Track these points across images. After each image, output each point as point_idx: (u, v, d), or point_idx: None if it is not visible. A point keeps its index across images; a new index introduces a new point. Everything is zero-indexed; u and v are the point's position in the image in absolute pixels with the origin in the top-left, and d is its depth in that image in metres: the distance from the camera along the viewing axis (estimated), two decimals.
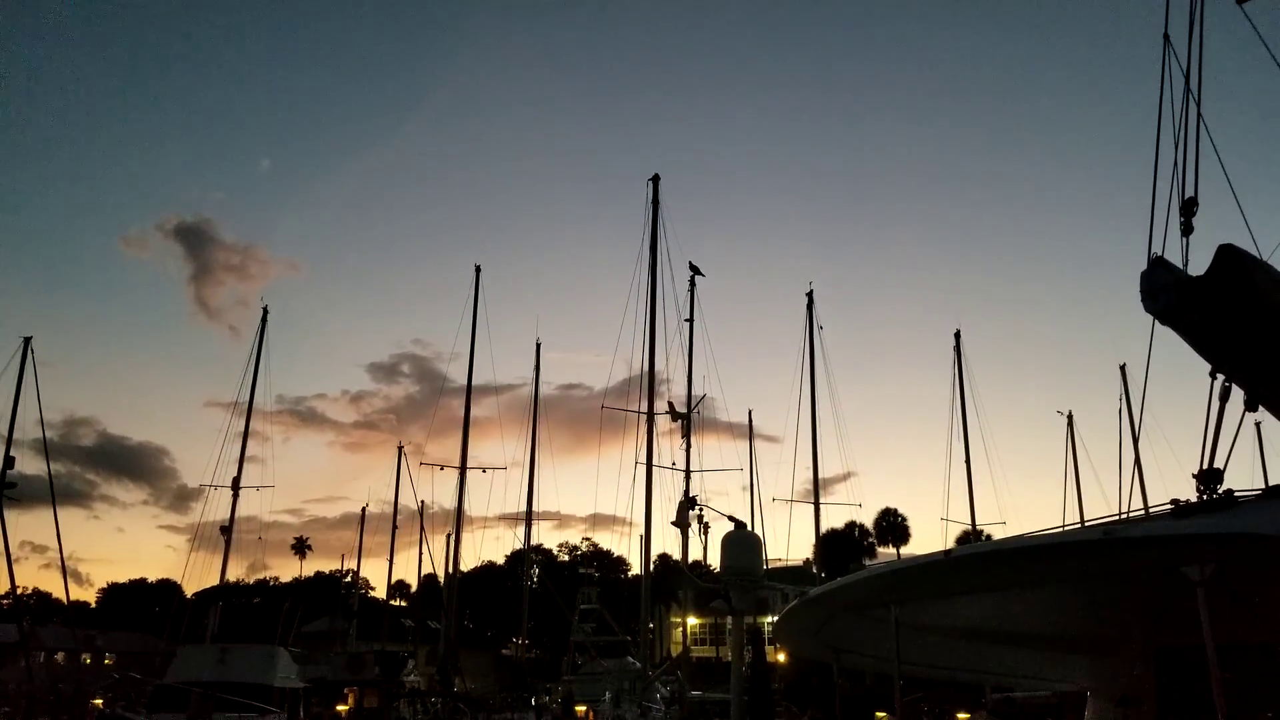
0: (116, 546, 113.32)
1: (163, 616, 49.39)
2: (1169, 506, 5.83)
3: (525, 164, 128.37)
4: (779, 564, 42.12)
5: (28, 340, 29.11)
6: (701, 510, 23.88)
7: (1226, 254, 5.91)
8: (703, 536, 24.61)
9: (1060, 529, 7.23)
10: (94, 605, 76.18)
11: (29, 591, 72.65)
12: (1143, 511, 7.71)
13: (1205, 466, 5.91)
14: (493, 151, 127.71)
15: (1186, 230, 6.37)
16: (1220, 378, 6.06)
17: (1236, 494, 5.72)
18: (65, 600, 40.30)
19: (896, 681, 8.67)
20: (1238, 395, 6.10)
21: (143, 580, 79.01)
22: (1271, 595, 6.52)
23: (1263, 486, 6.03)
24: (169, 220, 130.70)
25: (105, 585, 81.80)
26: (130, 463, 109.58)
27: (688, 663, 31.00)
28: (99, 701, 25.46)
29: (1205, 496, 5.79)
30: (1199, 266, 6.15)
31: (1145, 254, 6.40)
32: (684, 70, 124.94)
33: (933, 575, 7.25)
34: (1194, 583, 5.34)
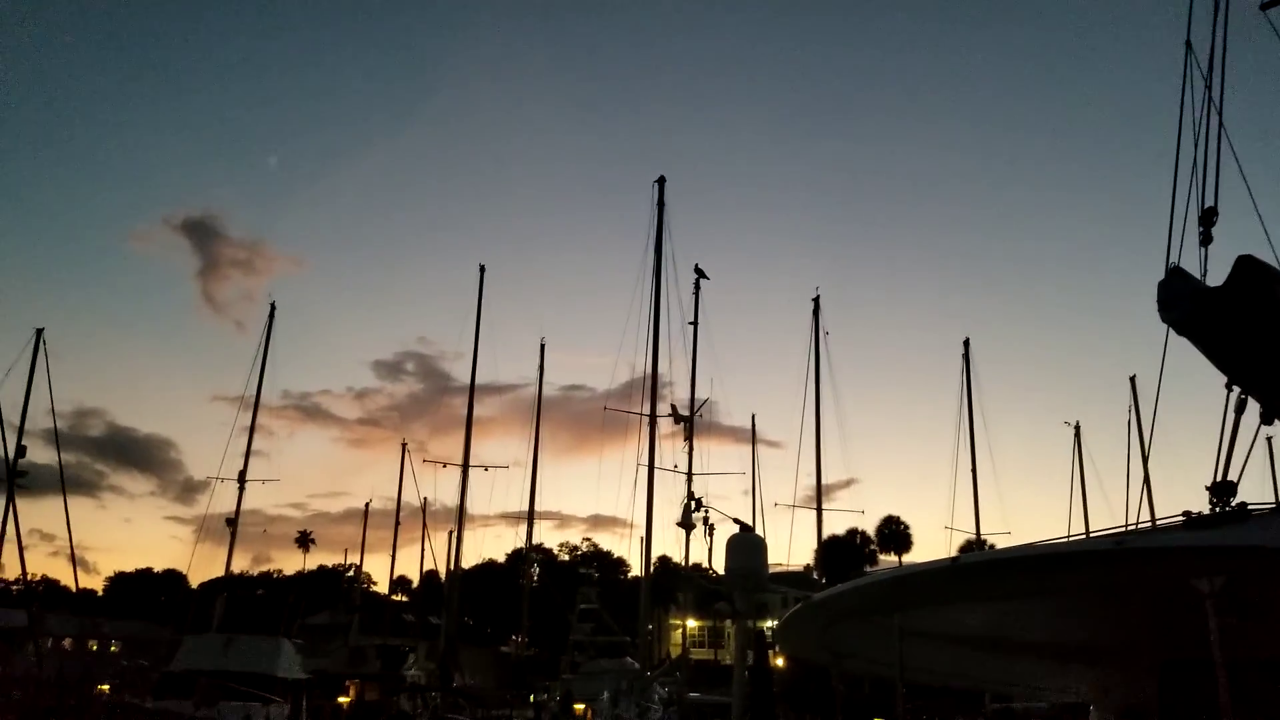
0: (123, 536, 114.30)
1: (167, 606, 49.66)
2: (1180, 518, 5.79)
3: (531, 164, 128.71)
4: (780, 569, 42.07)
5: (40, 331, 29.37)
6: (707, 512, 23.85)
7: (1245, 265, 5.86)
8: (708, 538, 24.55)
9: (1071, 539, 7.18)
10: (100, 593, 76.71)
11: (38, 578, 73.22)
12: (1150, 523, 7.65)
13: (1219, 479, 5.86)
14: (499, 151, 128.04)
15: (1205, 240, 6.32)
16: (1236, 390, 6.01)
17: (1250, 507, 5.68)
18: (74, 588, 40.64)
19: (899, 690, 8.63)
20: (1253, 408, 6.04)
21: (148, 570, 79.52)
22: None
23: (1276, 500, 5.97)
24: (176, 215, 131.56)
25: (112, 574, 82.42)
26: (138, 454, 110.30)
27: (686, 664, 30.94)
28: (105, 688, 25.58)
29: (1218, 509, 5.75)
30: (1217, 277, 6.11)
31: (1162, 263, 6.36)
32: (692, 73, 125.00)
33: (938, 582, 7.22)
34: (1203, 595, 5.29)
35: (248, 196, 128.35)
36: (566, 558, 70.33)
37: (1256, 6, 7.38)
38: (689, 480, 28.69)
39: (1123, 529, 7.03)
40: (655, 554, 31.16)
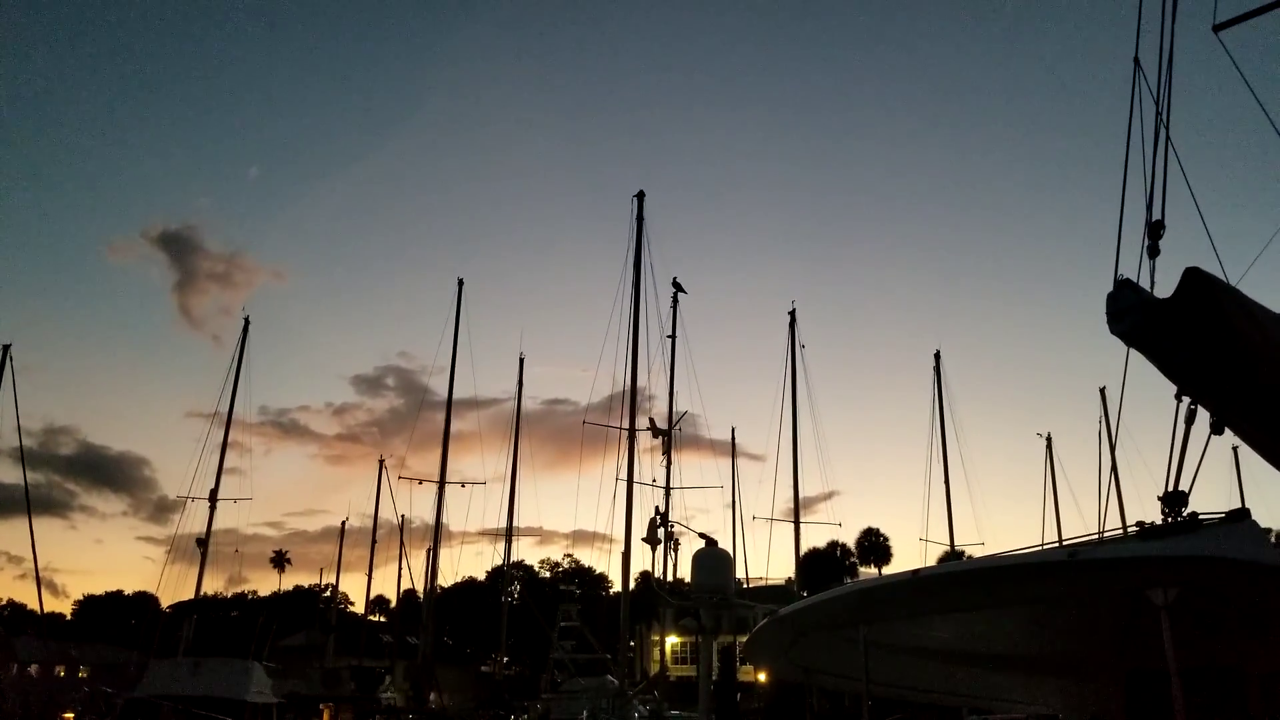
0: (94, 557, 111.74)
1: (139, 629, 48.47)
2: (1135, 529, 5.83)
3: (511, 178, 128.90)
4: (760, 583, 41.94)
5: (6, 348, 28.84)
6: (672, 527, 23.76)
7: (1192, 277, 5.93)
8: (673, 554, 24.41)
9: (1032, 549, 7.21)
10: (69, 617, 74.87)
11: (3, 602, 71.42)
12: (1120, 532, 7.70)
13: (1170, 489, 5.90)
14: (479, 165, 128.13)
15: (1153, 253, 6.42)
16: (1186, 400, 6.07)
17: (1201, 517, 5.72)
18: (39, 611, 39.69)
19: (865, 702, 8.59)
20: (1204, 418, 6.11)
21: (119, 592, 77.72)
22: (1236, 618, 6.50)
23: (1241, 508, 6.02)
24: (154, 227, 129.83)
25: (81, 597, 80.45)
26: (110, 473, 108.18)
27: (665, 681, 30.66)
28: (69, 716, 24.87)
29: (1170, 519, 5.78)
30: (1166, 289, 6.18)
31: (1113, 276, 6.44)
32: (670, 88, 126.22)
33: (901, 595, 7.21)
34: (1157, 606, 5.32)
35: (228, 208, 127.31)
36: (548, 574, 69.62)
37: (1209, 27, 7.55)
38: (667, 494, 28.62)
39: (1090, 538, 7.06)
40: (636, 569, 30.97)
